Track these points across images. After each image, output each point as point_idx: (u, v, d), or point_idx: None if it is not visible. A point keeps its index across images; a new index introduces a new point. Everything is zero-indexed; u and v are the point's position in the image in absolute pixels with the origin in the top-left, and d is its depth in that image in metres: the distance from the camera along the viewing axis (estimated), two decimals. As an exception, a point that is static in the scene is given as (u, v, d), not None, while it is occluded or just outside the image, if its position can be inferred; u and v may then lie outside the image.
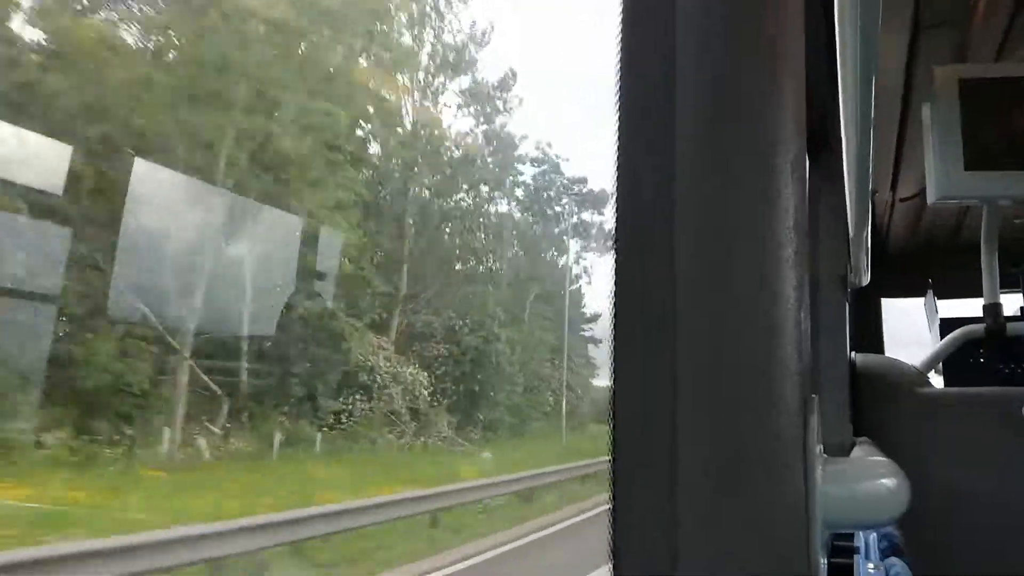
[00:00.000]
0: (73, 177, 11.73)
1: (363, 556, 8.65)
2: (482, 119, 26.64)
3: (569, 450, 22.33)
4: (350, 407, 19.57)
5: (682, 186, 0.35)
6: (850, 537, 1.01)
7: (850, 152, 0.80)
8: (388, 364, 21.41)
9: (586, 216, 32.07)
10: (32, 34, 13.23)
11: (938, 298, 2.45)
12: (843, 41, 0.55)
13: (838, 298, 1.22)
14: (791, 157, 0.36)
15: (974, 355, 2.11)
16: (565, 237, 30.10)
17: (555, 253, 30.12)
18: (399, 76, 24.03)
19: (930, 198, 1.33)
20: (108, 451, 12.05)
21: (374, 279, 21.25)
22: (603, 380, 35.90)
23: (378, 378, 20.82)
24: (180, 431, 13.81)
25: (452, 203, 26.90)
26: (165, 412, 13.62)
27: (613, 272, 0.36)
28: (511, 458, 18.88)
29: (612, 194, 0.36)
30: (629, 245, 0.36)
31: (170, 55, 15.62)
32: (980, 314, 1.62)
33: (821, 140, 1.09)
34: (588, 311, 35.70)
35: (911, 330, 2.76)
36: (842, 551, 0.97)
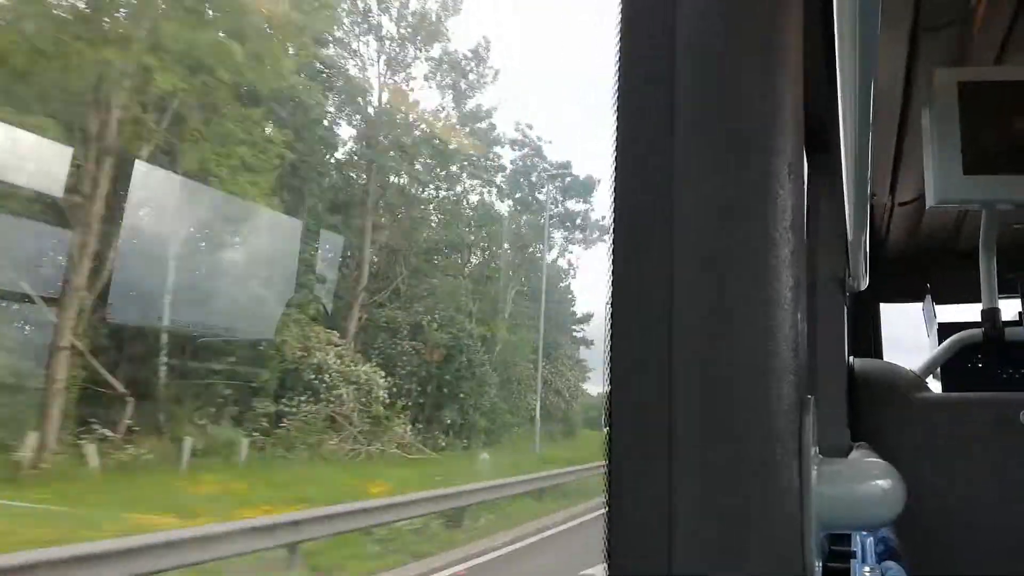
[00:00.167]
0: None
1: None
2: (452, 92, 24.32)
3: (543, 460, 20.01)
4: (294, 409, 17.44)
5: (679, 185, 0.35)
6: (847, 542, 1.02)
7: (849, 155, 0.79)
8: (340, 362, 19.24)
9: (572, 205, 29.75)
10: None
11: (936, 303, 2.46)
12: (842, 43, 0.53)
13: (836, 301, 1.21)
14: (789, 158, 0.36)
15: (972, 360, 2.00)
16: (543, 222, 27.65)
17: (539, 247, 27.72)
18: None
19: (929, 202, 1.34)
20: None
21: (318, 263, 19.01)
22: (596, 385, 33.70)
23: (327, 377, 18.67)
24: (54, 435, 11.60)
25: (428, 190, 24.77)
26: (34, 413, 11.43)
27: (610, 270, 0.36)
28: (470, 468, 16.62)
29: (610, 193, 0.37)
30: (626, 244, 0.36)
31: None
32: (978, 319, 1.62)
33: (820, 143, 1.05)
34: (580, 310, 33.61)
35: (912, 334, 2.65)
36: (839, 555, 0.97)
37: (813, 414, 0.37)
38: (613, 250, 0.36)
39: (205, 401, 15.82)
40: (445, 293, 23.93)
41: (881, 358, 2.50)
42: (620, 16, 0.37)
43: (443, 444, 21.39)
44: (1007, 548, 1.43)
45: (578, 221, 29.85)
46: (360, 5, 21.97)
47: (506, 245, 27.83)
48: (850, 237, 1.14)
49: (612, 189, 0.37)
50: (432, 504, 10.31)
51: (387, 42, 22.50)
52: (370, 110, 22.46)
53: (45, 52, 11.22)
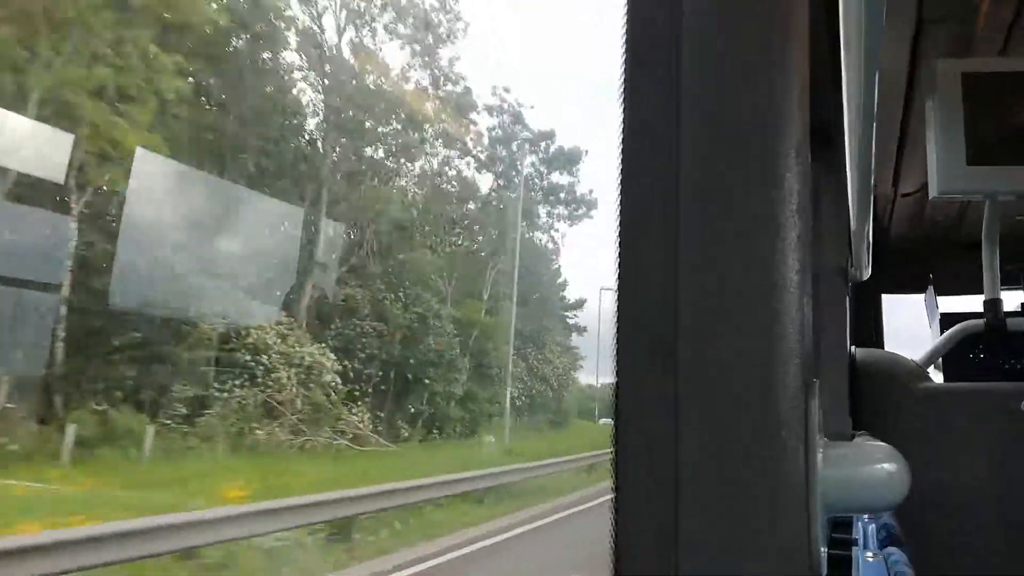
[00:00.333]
0: None
1: None
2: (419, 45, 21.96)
3: (509, 453, 17.81)
4: (225, 395, 15.35)
5: (686, 170, 0.35)
6: (848, 529, 1.02)
7: (852, 146, 0.80)
8: (282, 342, 17.11)
9: (556, 177, 27.33)
10: None
11: (939, 294, 2.46)
12: (846, 35, 0.54)
13: (839, 290, 1.22)
14: (794, 143, 0.36)
15: (974, 351, 2.01)
16: (516, 196, 25.27)
17: (518, 221, 25.40)
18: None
19: (932, 193, 1.35)
20: None
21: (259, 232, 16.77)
22: (588, 375, 31.44)
23: (266, 359, 16.56)
24: None
25: (394, 158, 22.50)
26: None
27: (616, 255, 0.37)
28: (417, 463, 14.41)
29: (617, 178, 0.37)
30: (633, 230, 0.36)
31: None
32: (981, 310, 1.62)
33: (823, 134, 1.04)
34: (571, 296, 31.40)
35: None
36: (840, 542, 0.97)
37: (818, 398, 0.37)
38: (620, 234, 0.36)
39: (110, 384, 13.70)
40: (413, 271, 21.75)
41: (883, 348, 2.50)
42: (626, 9, 0.37)
43: (405, 435, 19.29)
44: (1008, 536, 1.44)
45: (562, 195, 27.49)
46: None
47: (486, 221, 25.59)
48: (853, 227, 1.15)
49: (619, 173, 0.37)
50: (318, 512, 8.08)
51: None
52: (326, 66, 20.21)
53: None
